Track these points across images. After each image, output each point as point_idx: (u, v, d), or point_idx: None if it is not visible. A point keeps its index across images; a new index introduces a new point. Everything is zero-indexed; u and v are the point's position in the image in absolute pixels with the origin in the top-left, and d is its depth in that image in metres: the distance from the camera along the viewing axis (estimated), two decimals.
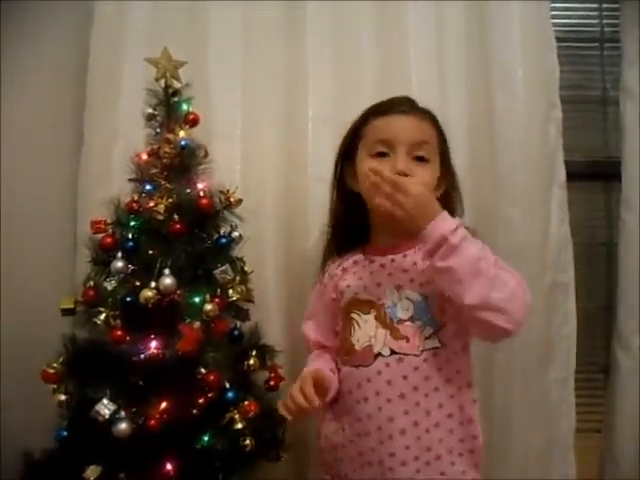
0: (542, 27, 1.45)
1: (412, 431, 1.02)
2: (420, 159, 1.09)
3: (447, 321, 1.06)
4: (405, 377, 1.04)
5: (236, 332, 1.25)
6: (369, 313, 1.08)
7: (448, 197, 1.16)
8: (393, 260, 1.11)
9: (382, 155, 1.10)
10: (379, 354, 1.05)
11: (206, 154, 1.26)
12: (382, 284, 1.09)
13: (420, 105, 1.16)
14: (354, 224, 1.18)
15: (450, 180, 1.17)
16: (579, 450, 1.50)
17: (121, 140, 1.42)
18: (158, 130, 1.24)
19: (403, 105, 1.14)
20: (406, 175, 1.06)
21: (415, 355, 1.04)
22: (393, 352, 1.05)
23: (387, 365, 1.04)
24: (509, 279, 0.98)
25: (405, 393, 1.03)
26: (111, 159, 1.41)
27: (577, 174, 1.59)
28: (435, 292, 1.06)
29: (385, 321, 1.06)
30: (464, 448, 1.05)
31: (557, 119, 1.46)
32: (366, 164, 1.11)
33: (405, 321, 1.06)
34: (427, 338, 1.05)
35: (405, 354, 1.04)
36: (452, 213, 1.13)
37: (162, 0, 1.49)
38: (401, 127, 1.10)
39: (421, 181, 1.06)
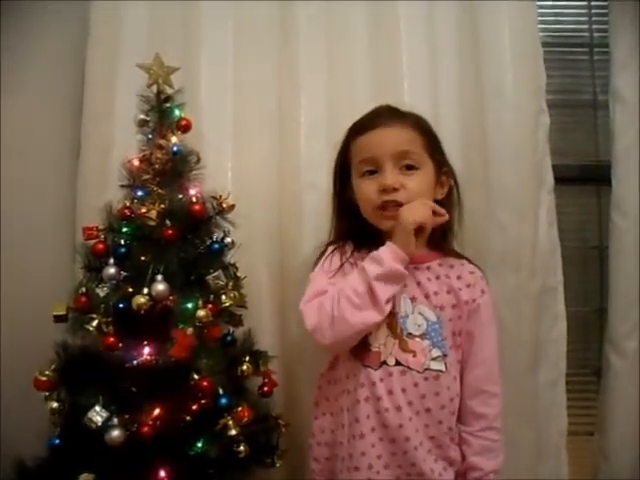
0: (530, 33, 1.46)
1: (402, 444, 1.05)
2: (409, 167, 1.10)
3: (452, 347, 1.09)
4: (404, 390, 1.05)
5: (229, 338, 1.25)
6: None
7: (450, 206, 1.17)
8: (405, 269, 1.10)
9: (372, 173, 1.11)
10: (385, 362, 1.06)
11: (198, 160, 1.26)
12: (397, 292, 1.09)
13: (403, 110, 1.16)
14: (363, 231, 1.17)
15: (452, 175, 1.18)
16: (572, 453, 1.50)
17: (119, 148, 1.41)
18: (150, 136, 1.23)
19: (382, 117, 1.14)
20: (395, 190, 1.07)
21: (418, 371, 1.06)
22: (398, 363, 1.06)
23: (390, 375, 1.05)
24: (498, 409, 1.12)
25: (402, 406, 1.04)
26: (109, 167, 1.40)
27: (568, 178, 1.60)
28: (449, 318, 1.09)
29: (396, 331, 1.07)
30: (443, 466, 1.08)
31: (545, 125, 1.47)
32: (360, 187, 1.13)
33: (415, 337, 1.07)
34: (433, 359, 1.07)
35: (409, 368, 1.05)
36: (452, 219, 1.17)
37: (156, 1, 1.49)
38: (382, 141, 1.10)
39: (412, 191, 1.08)
